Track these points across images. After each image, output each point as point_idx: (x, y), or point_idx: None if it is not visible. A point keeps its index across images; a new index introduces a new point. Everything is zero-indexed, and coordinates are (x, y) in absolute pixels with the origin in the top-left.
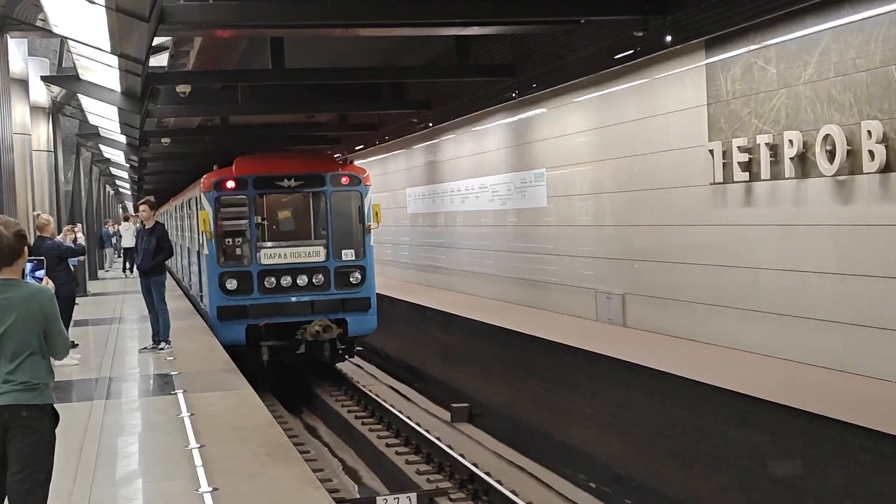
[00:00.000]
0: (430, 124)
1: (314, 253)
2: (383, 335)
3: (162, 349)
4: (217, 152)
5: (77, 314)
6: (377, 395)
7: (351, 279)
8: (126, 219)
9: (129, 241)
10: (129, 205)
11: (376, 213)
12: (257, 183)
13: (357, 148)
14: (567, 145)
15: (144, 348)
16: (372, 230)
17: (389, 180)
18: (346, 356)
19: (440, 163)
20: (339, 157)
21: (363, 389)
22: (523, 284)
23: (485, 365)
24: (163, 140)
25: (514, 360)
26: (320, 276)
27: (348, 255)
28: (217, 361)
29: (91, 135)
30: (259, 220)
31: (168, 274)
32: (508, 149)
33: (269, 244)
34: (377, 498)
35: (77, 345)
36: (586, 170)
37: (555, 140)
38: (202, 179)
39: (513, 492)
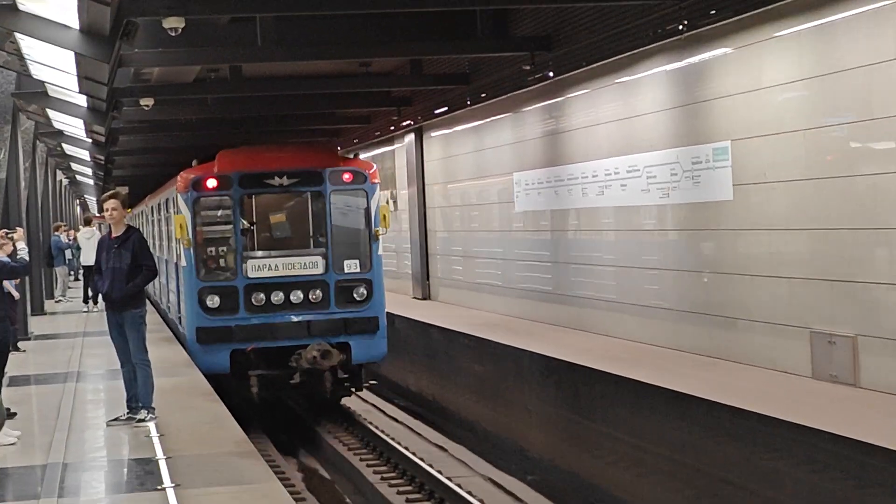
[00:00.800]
0: (551, 74)
1: (311, 264)
2: (478, 402)
3: (142, 420)
4: (224, 120)
5: (12, 367)
6: (469, 492)
7: (355, 295)
8: (87, 222)
9: (91, 254)
10: (93, 201)
11: (384, 217)
12: (243, 181)
13: (437, 111)
14: (764, 105)
15: (116, 419)
16: (380, 236)
17: (487, 161)
18: (353, 389)
19: (566, 133)
20: (389, 136)
21: (450, 485)
22: (699, 322)
23: (640, 446)
24: (143, 102)
25: (685, 439)
26: (318, 291)
27: (352, 266)
28: (225, 440)
29: (35, 94)
30: (246, 226)
31: (148, 304)
32: (672, 111)
33: (258, 254)
34: None
35: (15, 414)
36: (794, 143)
37: (745, 97)
38: (178, 178)
39: None
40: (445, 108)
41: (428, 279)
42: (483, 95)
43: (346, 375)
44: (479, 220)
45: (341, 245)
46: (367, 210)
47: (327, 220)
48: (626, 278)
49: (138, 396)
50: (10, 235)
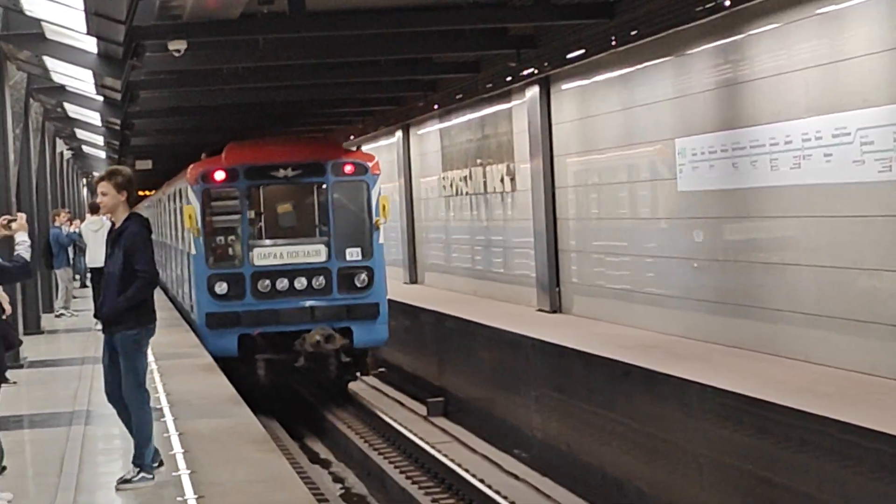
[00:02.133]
0: (727, 2)
1: (314, 252)
2: (629, 452)
3: (127, 481)
4: (281, 69)
5: (2, 405)
6: None
7: (356, 282)
8: (94, 209)
9: (98, 253)
10: None
11: (384, 208)
12: (250, 174)
13: (571, 56)
14: None
15: (125, 480)
16: (381, 226)
17: (638, 123)
18: (358, 373)
19: (747, 83)
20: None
21: None
22: None
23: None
24: (172, 46)
25: None
26: (321, 278)
27: (353, 254)
28: None
29: (28, 36)
30: (252, 216)
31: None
32: (894, 52)
33: (265, 243)
34: None
35: (4, 469)
36: None
37: None
38: (188, 170)
39: None
40: (582, 52)
41: (558, 285)
42: (634, 33)
43: (348, 359)
44: (628, 203)
45: (343, 234)
46: (369, 200)
47: (329, 210)
48: (832, 282)
49: (140, 451)
50: (10, 223)
